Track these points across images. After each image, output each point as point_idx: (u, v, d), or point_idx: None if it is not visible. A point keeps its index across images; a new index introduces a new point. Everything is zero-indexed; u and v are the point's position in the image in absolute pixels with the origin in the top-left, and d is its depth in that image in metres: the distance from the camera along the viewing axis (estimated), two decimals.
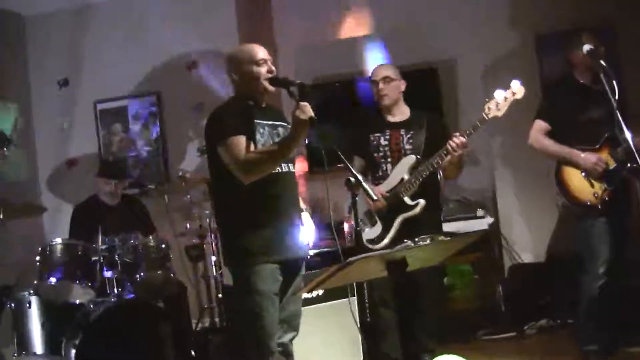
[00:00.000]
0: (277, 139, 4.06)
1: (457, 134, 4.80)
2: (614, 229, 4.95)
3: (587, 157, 4.95)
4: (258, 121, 4.03)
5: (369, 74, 5.36)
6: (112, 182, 6.18)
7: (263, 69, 4.05)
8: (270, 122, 4.11)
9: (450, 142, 4.77)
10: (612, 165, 4.90)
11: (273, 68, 4.09)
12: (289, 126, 4.05)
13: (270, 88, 4.08)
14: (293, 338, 4.20)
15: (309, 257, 4.38)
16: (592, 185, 4.94)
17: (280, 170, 4.05)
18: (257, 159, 3.90)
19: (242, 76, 4.11)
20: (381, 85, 5.13)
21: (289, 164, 4.14)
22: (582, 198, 4.98)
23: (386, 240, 5.00)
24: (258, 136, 4.00)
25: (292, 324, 4.18)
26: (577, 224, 5.09)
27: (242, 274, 4.02)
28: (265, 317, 3.96)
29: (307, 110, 3.75)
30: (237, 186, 3.93)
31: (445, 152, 4.81)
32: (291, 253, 4.08)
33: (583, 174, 4.96)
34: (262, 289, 3.95)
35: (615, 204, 4.91)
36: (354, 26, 7.43)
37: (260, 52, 4.09)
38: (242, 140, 3.90)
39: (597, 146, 4.95)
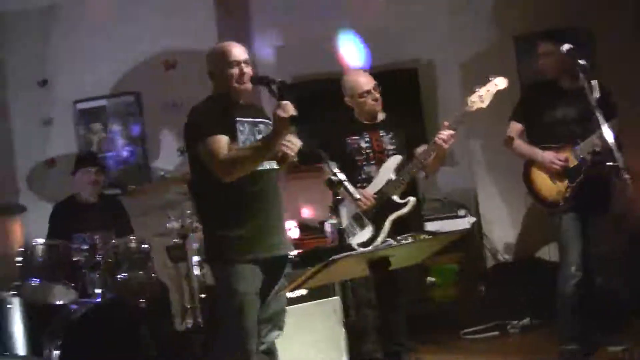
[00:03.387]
0: (258, 136, 4.05)
1: (445, 127, 4.79)
2: (586, 226, 5.00)
3: (544, 155, 5.03)
4: (238, 119, 4.02)
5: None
6: (92, 170, 6.15)
7: (235, 71, 4.03)
8: (251, 119, 4.10)
9: (440, 135, 4.75)
10: (574, 162, 4.95)
11: (246, 70, 4.05)
12: (270, 122, 4.04)
13: (246, 87, 4.06)
14: (277, 336, 4.19)
15: (292, 255, 4.35)
16: (555, 183, 4.99)
17: (262, 168, 4.02)
18: (237, 158, 3.88)
19: (216, 75, 4.12)
20: (377, 94, 5.10)
21: (271, 162, 4.10)
22: (546, 196, 5.07)
23: (378, 242, 4.88)
24: (238, 134, 3.99)
25: (276, 322, 4.16)
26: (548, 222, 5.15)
27: (223, 274, 4.01)
28: (246, 318, 3.94)
29: (289, 108, 3.73)
30: (218, 184, 3.91)
31: (434, 146, 4.80)
32: (273, 251, 4.06)
33: (548, 172, 5.02)
34: (242, 289, 3.93)
35: (585, 201, 4.95)
36: (333, 26, 7.42)
37: (235, 53, 4.06)
38: (222, 139, 3.89)
39: (559, 144, 5.00)
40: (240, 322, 3.94)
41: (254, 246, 3.97)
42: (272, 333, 4.15)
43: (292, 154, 3.95)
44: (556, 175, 5.00)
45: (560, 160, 4.96)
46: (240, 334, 3.94)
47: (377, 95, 5.09)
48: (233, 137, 3.96)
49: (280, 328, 4.20)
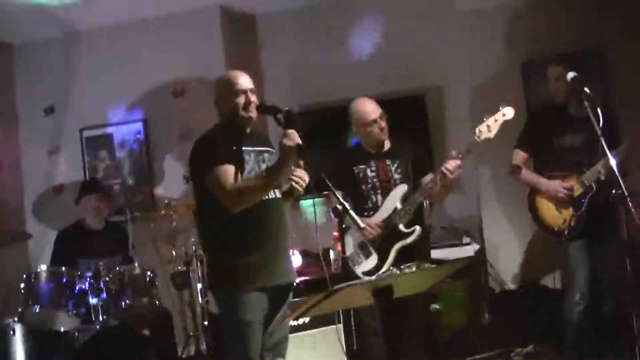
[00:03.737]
0: (262, 165, 4.06)
1: (452, 156, 4.75)
2: (592, 253, 4.98)
3: (549, 184, 5.01)
4: (244, 148, 4.03)
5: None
6: (96, 196, 6.15)
7: (241, 100, 4.05)
8: (256, 148, 4.11)
9: (446, 165, 4.71)
10: (579, 191, 4.94)
11: (252, 99, 4.07)
12: (274, 151, 4.05)
13: (252, 115, 4.07)
14: None
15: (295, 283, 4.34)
16: (560, 212, 4.98)
17: (267, 197, 4.02)
18: (244, 188, 3.88)
19: (222, 104, 4.13)
20: (383, 123, 5.07)
21: (276, 190, 4.11)
22: (551, 224, 5.05)
23: (382, 271, 4.83)
24: (244, 163, 4.00)
25: (279, 351, 4.15)
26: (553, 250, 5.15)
27: (228, 302, 4.00)
28: (250, 347, 3.93)
29: (294, 137, 3.76)
30: (222, 213, 3.91)
31: (441, 176, 4.77)
32: (278, 280, 4.04)
33: (552, 201, 5.02)
34: (248, 319, 3.93)
35: (591, 228, 4.93)
36: (341, 53, 7.45)
37: (240, 82, 4.08)
38: (229, 169, 3.90)
39: (565, 172, 5.00)
40: (244, 350, 3.93)
41: (260, 274, 3.96)
42: None
43: (301, 190, 3.97)
44: (561, 203, 5.00)
45: (565, 188, 4.95)
46: None
47: (383, 125, 5.06)
48: (240, 167, 3.96)
49: (283, 356, 4.18)
